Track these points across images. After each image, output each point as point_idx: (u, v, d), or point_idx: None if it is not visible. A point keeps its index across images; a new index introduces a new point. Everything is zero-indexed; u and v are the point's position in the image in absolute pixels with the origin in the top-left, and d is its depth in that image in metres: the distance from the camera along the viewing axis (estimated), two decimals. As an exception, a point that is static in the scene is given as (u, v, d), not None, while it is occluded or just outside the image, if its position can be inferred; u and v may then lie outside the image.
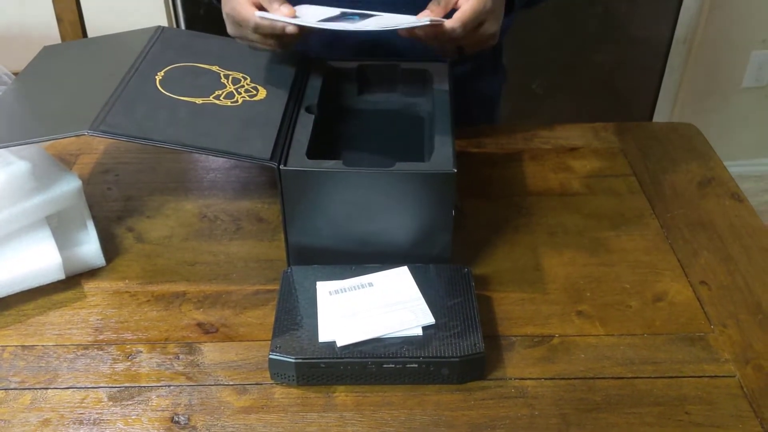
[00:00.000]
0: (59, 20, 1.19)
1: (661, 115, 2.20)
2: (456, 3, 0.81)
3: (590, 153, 1.04)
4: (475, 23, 0.80)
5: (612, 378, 0.71)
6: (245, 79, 0.86)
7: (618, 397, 0.69)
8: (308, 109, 0.84)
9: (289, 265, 0.81)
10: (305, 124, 0.82)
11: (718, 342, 0.75)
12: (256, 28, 0.80)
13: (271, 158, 0.75)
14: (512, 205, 0.94)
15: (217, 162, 1.02)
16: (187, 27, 1.78)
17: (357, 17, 0.80)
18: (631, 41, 2.17)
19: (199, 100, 0.81)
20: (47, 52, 0.95)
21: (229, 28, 0.85)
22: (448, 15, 0.80)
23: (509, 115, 1.22)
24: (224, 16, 0.85)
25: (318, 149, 0.79)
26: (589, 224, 0.91)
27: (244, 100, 0.82)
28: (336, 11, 0.83)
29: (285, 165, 0.75)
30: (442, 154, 0.76)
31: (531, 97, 2.26)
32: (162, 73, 0.84)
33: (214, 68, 0.87)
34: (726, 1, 1.97)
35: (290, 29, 0.78)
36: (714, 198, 0.96)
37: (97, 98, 0.78)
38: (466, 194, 0.94)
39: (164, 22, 1.66)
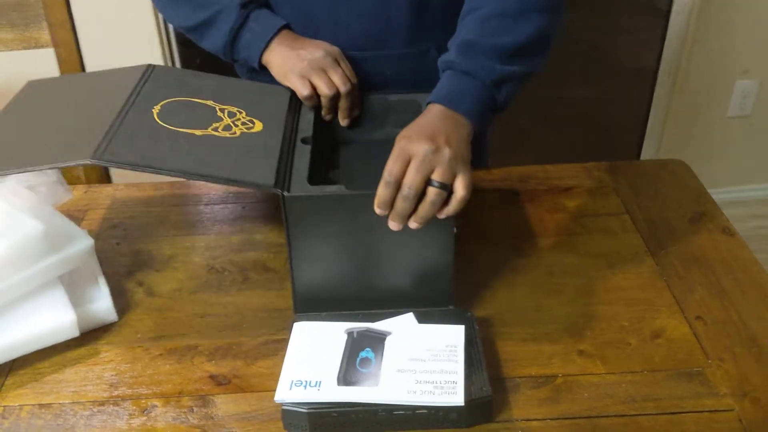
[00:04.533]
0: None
1: (649, 146, 2.24)
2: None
3: (584, 192, 1.07)
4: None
5: (615, 416, 0.74)
6: (240, 112, 0.89)
7: (622, 435, 0.72)
8: (304, 141, 0.87)
9: (295, 304, 0.83)
10: (303, 154, 0.84)
11: (716, 376, 0.78)
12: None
13: (275, 185, 0.77)
14: (510, 246, 0.97)
15: (223, 213, 1.05)
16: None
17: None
18: (617, 74, 2.23)
19: (198, 132, 0.83)
20: (32, 86, 0.96)
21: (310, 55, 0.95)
22: None
23: (496, 149, 1.25)
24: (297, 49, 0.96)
25: (316, 178, 0.81)
26: (585, 263, 0.94)
27: (242, 132, 0.85)
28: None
29: (289, 191, 0.77)
30: None
31: (518, 131, 2.31)
32: (158, 106, 0.85)
33: (209, 103, 0.89)
34: (708, 34, 2.03)
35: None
36: (706, 233, 0.99)
37: (95, 130, 0.79)
38: (464, 237, 0.97)
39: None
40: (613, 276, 0.92)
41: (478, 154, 1.22)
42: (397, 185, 0.74)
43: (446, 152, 0.75)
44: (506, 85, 0.85)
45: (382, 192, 0.74)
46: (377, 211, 0.75)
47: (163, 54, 1.60)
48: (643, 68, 2.16)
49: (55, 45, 1.16)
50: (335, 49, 0.98)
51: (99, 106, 0.86)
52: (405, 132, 0.79)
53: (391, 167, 0.74)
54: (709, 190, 1.08)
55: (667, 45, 2.06)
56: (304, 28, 1.01)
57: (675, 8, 2.00)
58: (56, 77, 0.99)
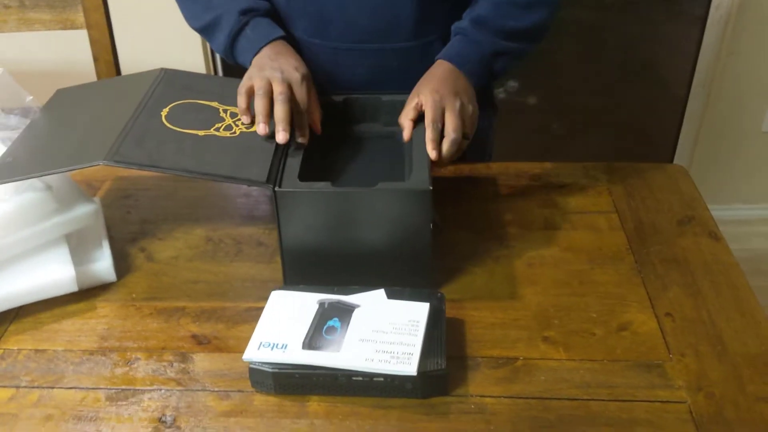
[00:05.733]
0: (95, 59, 1.31)
1: (681, 158, 2.22)
2: (421, 106, 0.94)
3: (577, 190, 1.09)
4: (438, 118, 0.92)
5: (567, 399, 0.76)
6: None
7: (571, 417, 0.74)
8: (297, 143, 0.92)
9: (285, 281, 0.89)
10: (297, 152, 0.90)
11: (675, 370, 0.79)
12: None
13: (267, 181, 0.84)
14: (495, 237, 1.00)
15: (227, 190, 1.11)
16: (225, 73, 1.90)
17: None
18: (651, 86, 2.21)
19: (201, 133, 0.90)
20: (59, 95, 1.06)
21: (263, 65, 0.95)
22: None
23: (529, 154, 1.27)
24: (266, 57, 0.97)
25: (310, 174, 0.88)
26: (566, 257, 0.96)
27: (241, 132, 0.91)
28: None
29: (279, 187, 0.84)
30: (420, 176, 0.84)
31: (553, 138, 2.32)
32: (167, 109, 0.93)
33: (214, 104, 0.96)
34: (743, 46, 2.00)
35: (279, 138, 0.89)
36: (692, 236, 1.00)
37: (110, 133, 0.87)
38: (453, 226, 1.01)
39: (199, 61, 1.78)
40: (590, 271, 0.94)
41: (482, 150, 1.26)
42: (440, 127, 0.91)
43: (470, 108, 0.96)
44: (502, 58, 1.03)
45: (433, 135, 0.90)
46: (431, 153, 0.89)
47: (195, 39, 1.69)
48: (678, 78, 2.14)
49: (89, 27, 1.25)
50: (305, 73, 0.95)
51: (115, 110, 0.95)
52: (431, 86, 0.95)
53: (434, 115, 0.91)
54: (740, 206, 1.09)
55: (701, 56, 2.05)
56: (317, 23, 1.07)
57: (710, 19, 1.98)
58: (81, 85, 1.09)
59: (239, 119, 0.93)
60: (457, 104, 0.94)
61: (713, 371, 0.79)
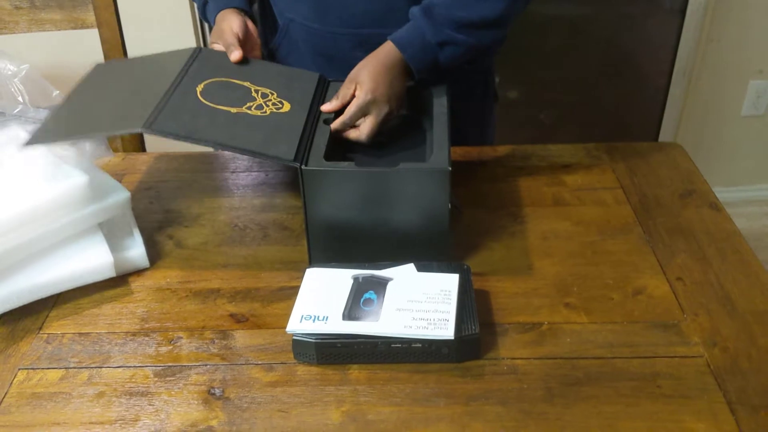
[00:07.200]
0: (106, 58, 1.33)
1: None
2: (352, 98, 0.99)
3: (582, 169, 1.14)
4: (357, 117, 0.98)
5: (593, 358, 0.81)
6: (272, 94, 0.99)
7: (597, 374, 0.79)
8: (326, 122, 0.98)
9: (310, 256, 0.93)
10: (323, 133, 0.95)
11: (690, 328, 0.85)
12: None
13: (294, 159, 0.88)
14: (509, 214, 1.05)
15: (247, 179, 1.14)
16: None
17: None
18: (633, 76, 2.28)
19: (233, 110, 0.93)
20: (98, 68, 1.08)
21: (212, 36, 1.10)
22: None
23: (518, 144, 1.32)
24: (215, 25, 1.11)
25: (335, 155, 0.92)
26: (578, 230, 1.01)
27: (271, 112, 0.95)
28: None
29: (306, 165, 0.88)
30: (440, 157, 0.89)
31: (539, 128, 2.38)
32: (202, 85, 0.97)
33: (246, 84, 1.00)
34: (723, 34, 2.08)
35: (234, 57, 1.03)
36: (694, 208, 1.06)
37: (147, 104, 0.90)
38: (469, 205, 1.05)
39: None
40: (602, 242, 0.99)
41: (483, 134, 1.31)
42: (343, 103, 0.99)
43: (392, 114, 1.00)
44: (449, 48, 1.02)
45: (338, 126, 0.98)
46: (323, 108, 0.99)
47: (196, 35, 1.72)
48: (659, 67, 2.22)
49: (99, 25, 1.27)
50: (236, 31, 1.08)
51: (152, 84, 0.97)
52: (370, 83, 0.98)
53: (352, 116, 0.98)
54: (723, 189, 1.15)
55: (681, 44, 2.12)
56: (316, 8, 1.12)
57: (690, 8, 2.06)
58: (119, 59, 1.15)
59: (270, 100, 0.97)
60: (383, 112, 0.98)
61: (725, 328, 0.85)
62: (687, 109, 2.22)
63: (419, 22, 1.01)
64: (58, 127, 0.92)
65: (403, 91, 1.02)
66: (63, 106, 0.97)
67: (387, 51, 1.01)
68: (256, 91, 0.99)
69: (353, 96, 0.99)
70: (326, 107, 1.00)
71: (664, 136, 2.29)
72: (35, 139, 0.90)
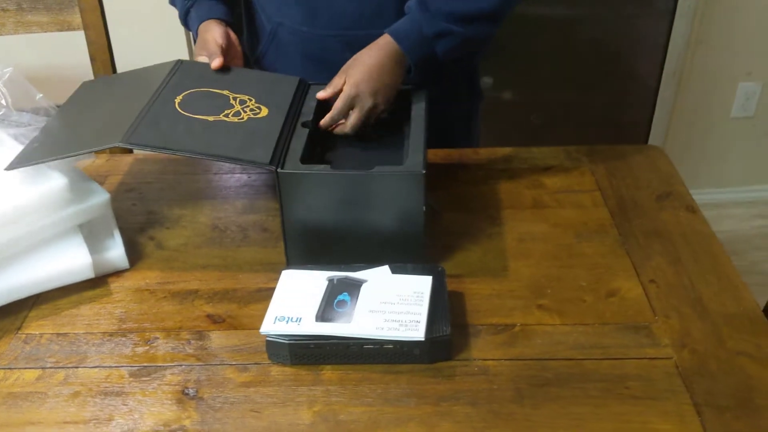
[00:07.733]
0: (92, 59, 1.34)
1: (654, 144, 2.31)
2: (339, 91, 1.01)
3: (562, 171, 1.15)
4: (345, 110, 1.01)
5: (563, 359, 0.82)
6: (251, 100, 1.01)
7: (567, 375, 0.80)
8: (304, 124, 0.99)
9: (287, 258, 0.94)
10: (300, 136, 0.96)
11: (660, 330, 0.86)
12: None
13: (270, 163, 0.89)
14: (487, 217, 1.06)
15: (230, 181, 1.16)
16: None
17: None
18: (624, 77, 2.30)
19: (211, 118, 0.95)
20: (85, 86, 1.12)
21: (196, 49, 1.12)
22: None
23: (508, 145, 1.33)
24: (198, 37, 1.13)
25: (312, 157, 0.94)
26: (555, 233, 1.02)
27: (249, 117, 0.96)
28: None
29: (282, 168, 0.89)
30: (415, 160, 0.90)
31: (530, 131, 2.39)
32: (180, 97, 0.98)
33: (225, 92, 1.01)
34: (712, 36, 2.09)
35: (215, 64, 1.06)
36: (671, 210, 1.07)
37: (127, 118, 0.92)
38: (448, 208, 1.06)
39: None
40: (578, 244, 1.00)
41: (468, 137, 1.32)
42: (335, 92, 1.02)
43: (380, 108, 1.02)
44: (445, 40, 1.04)
45: (326, 122, 1.02)
46: (318, 96, 1.03)
47: (186, 38, 1.73)
48: (649, 69, 2.23)
49: (86, 28, 1.28)
50: (220, 42, 1.11)
51: (133, 98, 1.00)
52: (358, 76, 1.00)
53: (339, 111, 1.01)
54: (712, 190, 1.16)
55: (671, 46, 2.13)
56: (305, 11, 1.13)
57: (679, 10, 2.07)
58: (104, 76, 1.18)
59: (248, 106, 0.98)
60: (368, 105, 1.00)
61: (695, 330, 0.86)
62: (677, 111, 2.23)
63: (415, 14, 1.03)
64: (42, 147, 0.94)
65: (396, 84, 1.03)
66: (48, 126, 0.99)
67: (383, 43, 1.03)
68: (235, 99, 1.00)
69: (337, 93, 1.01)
70: (320, 95, 1.03)
71: (654, 137, 2.30)
72: (19, 161, 0.91)
